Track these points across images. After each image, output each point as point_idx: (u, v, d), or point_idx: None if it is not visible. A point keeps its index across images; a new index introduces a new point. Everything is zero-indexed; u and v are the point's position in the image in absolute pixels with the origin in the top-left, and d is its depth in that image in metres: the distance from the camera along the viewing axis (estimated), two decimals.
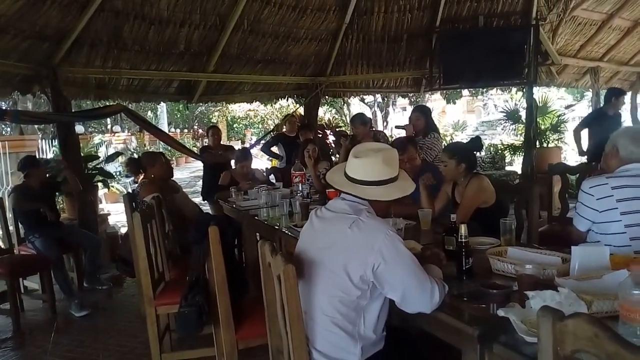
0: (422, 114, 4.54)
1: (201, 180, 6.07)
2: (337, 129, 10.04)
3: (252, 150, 6.06)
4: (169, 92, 6.29)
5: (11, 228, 4.45)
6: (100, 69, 5.29)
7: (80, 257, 4.78)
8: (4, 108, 7.32)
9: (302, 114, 7.50)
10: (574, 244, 1.92)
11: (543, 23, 6.11)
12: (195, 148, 12.27)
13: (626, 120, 8.31)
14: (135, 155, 8.48)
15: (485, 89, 13.71)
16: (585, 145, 6.21)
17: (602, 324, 0.94)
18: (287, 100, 7.77)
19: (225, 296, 2.29)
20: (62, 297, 4.28)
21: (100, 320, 4.07)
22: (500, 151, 10.50)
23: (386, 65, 6.89)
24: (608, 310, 1.47)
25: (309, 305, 1.74)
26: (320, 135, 7.49)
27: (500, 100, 17.30)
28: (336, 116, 14.83)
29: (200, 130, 20.37)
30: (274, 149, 6.73)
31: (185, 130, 21.88)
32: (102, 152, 11.06)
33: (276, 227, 3.32)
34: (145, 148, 14.83)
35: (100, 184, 6.52)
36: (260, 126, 20.29)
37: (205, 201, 5.95)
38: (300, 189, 4.17)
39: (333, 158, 6.44)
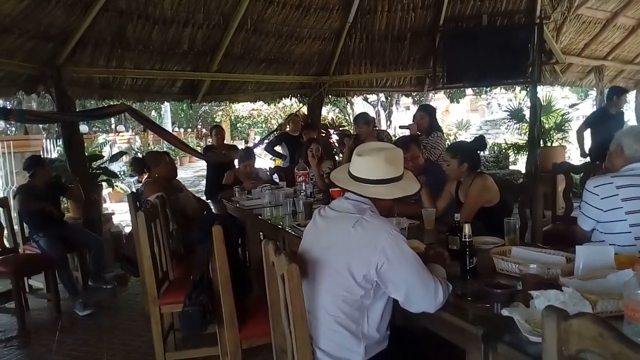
0: (426, 113, 4.54)
1: (205, 180, 6.08)
2: (341, 129, 10.04)
3: (255, 150, 6.07)
4: (173, 92, 6.31)
5: (16, 227, 4.46)
6: (104, 69, 5.30)
7: (85, 257, 4.80)
8: (8, 108, 7.35)
9: (306, 113, 7.50)
10: (579, 244, 1.91)
11: (547, 22, 6.09)
12: (199, 147, 12.31)
13: (630, 119, 8.29)
14: (140, 155, 8.52)
15: (489, 88, 13.65)
16: (588, 144, 6.19)
17: (607, 323, 0.94)
18: (291, 99, 7.78)
19: (229, 295, 2.30)
20: (67, 296, 4.30)
21: (104, 319, 4.08)
22: (504, 150, 10.47)
23: (389, 64, 6.88)
24: (613, 310, 1.46)
25: (312, 305, 1.74)
26: (323, 135, 7.47)
27: (504, 99, 17.25)
28: (339, 115, 14.83)
29: (204, 130, 20.40)
30: (278, 148, 6.73)
31: (189, 130, 21.91)
32: (106, 152, 11.09)
33: (279, 227, 3.32)
34: (149, 147, 14.86)
35: (104, 184, 6.54)
36: (263, 126, 20.30)
37: (209, 200, 5.96)
38: (303, 188, 4.17)
39: (336, 157, 6.44)
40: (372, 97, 14.68)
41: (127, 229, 5.96)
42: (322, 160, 4.74)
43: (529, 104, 7.15)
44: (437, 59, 6.51)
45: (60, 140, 6.33)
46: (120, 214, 7.43)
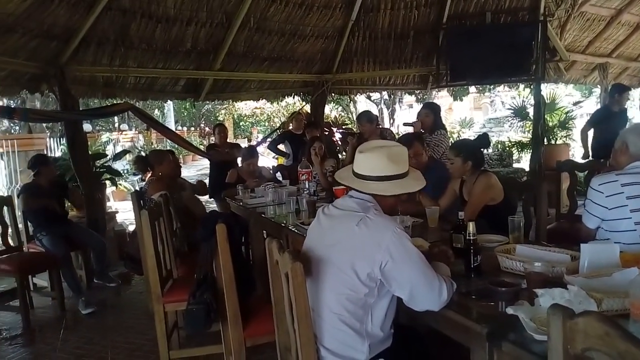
0: (431, 111, 4.53)
1: (208, 178, 6.08)
2: (344, 127, 10.02)
3: (258, 148, 6.07)
4: (176, 90, 6.32)
5: (20, 226, 4.48)
6: (107, 68, 5.31)
7: (89, 255, 4.81)
8: (12, 107, 7.38)
9: (309, 111, 7.50)
10: (583, 242, 1.90)
11: (551, 19, 6.06)
12: (202, 146, 12.32)
13: (635, 116, 8.25)
14: (143, 154, 8.53)
15: (492, 86, 13.63)
16: (590, 143, 6.17)
17: (613, 322, 0.94)
18: (294, 97, 7.77)
19: (233, 293, 2.30)
20: (71, 294, 4.31)
21: (108, 318, 4.09)
22: (507, 148, 10.44)
23: (393, 62, 6.86)
24: (618, 308, 1.45)
25: (316, 303, 1.74)
26: (326, 133, 7.47)
27: (508, 97, 17.22)
28: (342, 114, 14.82)
29: (207, 129, 20.41)
30: (281, 146, 6.73)
31: (192, 129, 21.93)
32: (109, 150, 11.09)
33: (283, 225, 3.32)
34: (153, 146, 14.89)
35: (108, 182, 6.56)
36: (266, 124, 20.31)
37: (212, 199, 5.96)
38: (306, 186, 4.17)
39: (340, 156, 6.43)
40: (375, 95, 14.68)
41: (131, 228, 5.97)
42: (325, 159, 4.73)
43: (532, 101, 7.12)
44: (441, 56, 6.50)
45: (64, 139, 6.34)
46: (123, 212, 7.46)
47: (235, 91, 6.73)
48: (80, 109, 5.58)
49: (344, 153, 6.52)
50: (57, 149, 9.10)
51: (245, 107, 20.09)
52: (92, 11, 4.68)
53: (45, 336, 3.77)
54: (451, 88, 10.45)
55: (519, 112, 9.82)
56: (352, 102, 14.48)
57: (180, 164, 5.27)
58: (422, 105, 4.92)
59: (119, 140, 15.50)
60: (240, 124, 22.42)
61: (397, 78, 7.25)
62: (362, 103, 15.33)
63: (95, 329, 3.84)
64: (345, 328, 1.70)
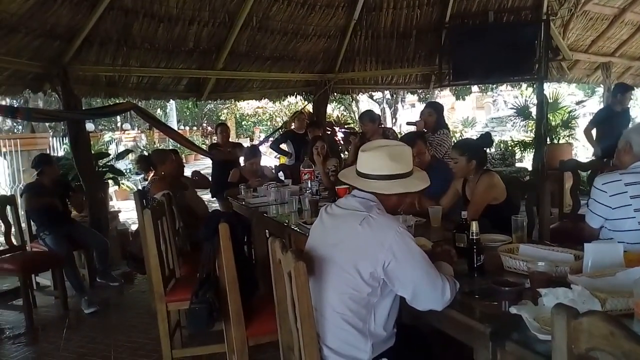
0: (434, 110, 4.52)
1: (210, 178, 6.09)
2: (346, 126, 10.02)
3: (260, 148, 6.07)
4: (178, 90, 6.32)
5: (23, 225, 4.49)
6: (110, 67, 5.31)
7: (91, 254, 4.82)
8: (15, 106, 7.39)
9: (311, 111, 7.49)
10: (586, 241, 1.90)
11: (554, 18, 6.04)
12: (204, 145, 12.33)
13: (638, 116, 8.23)
14: (145, 153, 8.54)
15: (495, 85, 13.61)
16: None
17: (617, 322, 0.93)
18: (296, 97, 7.78)
19: (235, 293, 2.30)
20: (74, 293, 4.32)
21: (111, 317, 4.11)
22: (510, 148, 10.42)
23: (395, 61, 6.86)
24: (622, 308, 1.45)
25: (319, 302, 1.74)
26: (329, 132, 7.47)
27: (510, 96, 17.18)
28: (345, 113, 14.82)
29: (209, 128, 20.42)
30: (283, 146, 6.73)
31: (195, 128, 21.95)
32: (112, 150, 11.10)
33: (285, 224, 3.33)
34: (155, 145, 14.91)
35: (110, 181, 6.57)
36: (268, 123, 20.32)
37: (214, 198, 5.97)
38: (309, 186, 4.17)
39: (342, 155, 6.43)
40: (378, 95, 14.67)
41: (134, 227, 5.98)
42: (328, 158, 4.73)
43: (535, 101, 7.10)
44: (443, 55, 6.48)
45: (67, 138, 6.36)
46: (126, 211, 7.46)
47: (238, 90, 6.73)
48: (83, 108, 5.58)
49: (346, 152, 6.52)
50: (59, 148, 9.12)
51: (247, 106, 20.11)
52: (95, 11, 4.69)
53: (48, 335, 3.78)
54: (453, 87, 10.39)
55: (522, 112, 9.80)
56: (354, 101, 14.47)
57: (184, 164, 5.28)
58: (425, 104, 4.91)
59: (122, 139, 15.51)
60: (243, 123, 22.43)
61: (399, 77, 7.25)
62: (365, 102, 15.32)
63: (98, 328, 3.85)
64: (348, 327, 1.69)
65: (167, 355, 2.85)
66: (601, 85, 8.00)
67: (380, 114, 12.02)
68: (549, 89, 8.64)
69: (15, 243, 4.32)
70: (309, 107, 7.65)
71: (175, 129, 13.13)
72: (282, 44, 6.25)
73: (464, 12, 6.35)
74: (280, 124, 13.08)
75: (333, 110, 14.24)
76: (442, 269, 1.81)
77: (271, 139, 7.78)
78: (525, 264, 1.94)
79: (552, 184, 3.85)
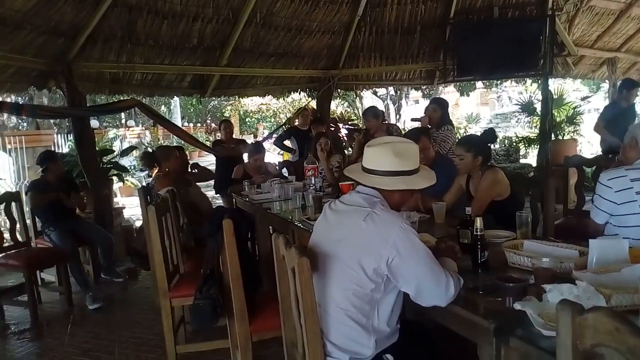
0: (439, 106, 4.50)
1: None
2: (350, 123, 10.01)
3: (264, 144, 6.07)
4: (183, 87, 6.32)
5: (28, 221, 4.51)
6: (114, 64, 5.32)
7: (96, 251, 4.84)
8: (20, 103, 7.41)
9: (315, 107, 7.48)
10: (591, 237, 1.89)
11: (559, 13, 6.00)
12: (208, 142, 12.33)
13: None
14: (150, 150, 8.56)
15: (499, 81, 13.55)
16: (599, 138, 6.11)
17: (623, 317, 0.93)
18: (300, 93, 7.76)
19: (239, 289, 2.30)
20: (78, 289, 4.34)
21: (115, 313, 4.12)
22: (514, 144, 10.39)
23: (399, 57, 6.83)
24: (628, 304, 1.44)
25: (323, 298, 1.74)
26: (332, 129, 7.46)
27: (515, 92, 17.11)
28: (349, 109, 14.79)
29: (213, 125, 20.46)
30: (287, 142, 6.73)
31: (199, 125, 21.99)
32: (116, 147, 11.15)
33: (289, 220, 3.32)
34: (159, 142, 14.94)
35: (115, 178, 6.59)
36: (272, 120, 20.33)
37: (218, 195, 5.98)
38: (312, 182, 4.17)
39: (346, 152, 6.42)
40: (382, 91, 14.63)
41: (138, 223, 6.00)
42: (331, 155, 4.73)
43: (540, 96, 7.08)
44: (448, 51, 6.46)
45: (71, 135, 6.37)
46: (130, 208, 7.49)
47: (242, 87, 6.73)
48: (88, 105, 5.59)
49: (350, 149, 6.50)
50: (64, 145, 9.16)
51: (251, 103, 20.11)
52: (99, 8, 4.69)
53: (53, 331, 3.80)
54: (458, 83, 10.39)
55: (526, 108, 9.77)
56: (358, 97, 14.44)
57: (189, 161, 5.29)
58: (429, 100, 4.89)
59: (126, 136, 15.57)
60: (247, 120, 22.45)
61: (403, 73, 7.23)
62: (368, 99, 15.29)
63: (102, 323, 3.87)
64: (352, 323, 1.69)
65: (171, 351, 2.86)
66: (606, 81, 7.95)
67: (384, 111, 11.98)
68: (554, 84, 8.62)
69: (20, 239, 4.35)
70: (313, 104, 7.64)
71: (179, 125, 13.16)
72: (286, 40, 6.24)
73: (469, 7, 6.32)
74: (284, 121, 13.08)
75: (337, 106, 14.23)
76: (446, 265, 1.81)
77: (275, 135, 7.78)
78: (529, 260, 1.94)
79: (556, 180, 3.85)
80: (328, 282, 1.74)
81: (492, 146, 3.56)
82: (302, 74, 6.89)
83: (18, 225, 4.38)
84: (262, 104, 19.97)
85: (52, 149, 7.24)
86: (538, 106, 8.11)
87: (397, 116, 15.05)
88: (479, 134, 3.62)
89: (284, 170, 5.92)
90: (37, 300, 4.16)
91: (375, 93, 14.63)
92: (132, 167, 10.20)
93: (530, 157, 10.17)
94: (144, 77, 5.80)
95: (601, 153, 5.84)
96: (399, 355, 1.75)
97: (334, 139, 6.04)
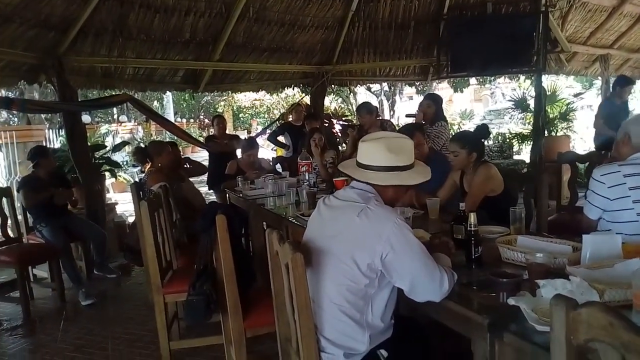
0: (433, 102, 4.51)
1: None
2: (344, 118, 10.00)
3: (258, 140, 6.05)
4: (175, 81, 6.29)
5: (20, 217, 4.47)
6: (105, 58, 5.27)
7: (88, 246, 4.81)
8: (11, 97, 7.34)
9: (308, 103, 7.47)
10: (584, 233, 1.89)
11: (552, 10, 6.01)
12: (202, 138, 12.28)
13: (636, 108, 8.22)
14: (142, 145, 8.52)
15: (493, 78, 13.58)
16: (592, 134, 6.14)
17: (616, 312, 0.93)
18: (293, 89, 7.74)
19: (233, 284, 2.29)
20: (71, 285, 4.31)
21: (108, 309, 4.10)
22: (508, 140, 10.43)
23: (393, 53, 6.83)
24: (621, 299, 1.45)
25: (316, 294, 1.73)
26: (326, 125, 7.45)
27: (508, 88, 17.16)
28: (342, 105, 14.78)
29: (207, 120, 20.35)
30: (281, 138, 6.71)
31: (192, 120, 21.86)
32: (109, 142, 11.07)
33: (283, 216, 3.32)
34: (152, 137, 14.84)
35: (107, 174, 6.54)
36: (266, 116, 20.27)
37: (211, 190, 5.96)
38: (306, 178, 4.16)
39: (340, 147, 6.41)
40: (376, 87, 14.63)
41: (131, 219, 5.96)
42: (325, 150, 4.72)
43: (533, 93, 7.10)
44: (441, 47, 6.47)
45: (63, 130, 6.31)
46: (123, 203, 7.45)
47: (235, 82, 6.70)
48: (79, 100, 5.54)
49: (344, 145, 6.50)
50: (56, 140, 9.07)
51: (244, 98, 20.04)
52: (90, 1, 4.64)
53: (45, 327, 3.78)
54: (451, 80, 10.41)
55: (520, 104, 9.80)
56: (352, 93, 14.43)
57: (182, 156, 5.27)
58: (423, 96, 4.89)
59: (118, 131, 15.44)
60: (240, 115, 22.36)
61: (397, 69, 7.23)
62: (362, 95, 15.28)
63: (95, 320, 3.85)
64: (346, 319, 1.69)
65: (165, 347, 2.85)
66: (599, 77, 7.99)
67: (378, 106, 11.98)
68: (547, 81, 8.64)
69: (11, 235, 4.30)
70: (307, 99, 7.62)
71: (172, 121, 13.07)
72: (279, 35, 6.21)
73: (462, 3, 6.34)
74: (277, 117, 13.05)
75: (331, 102, 14.20)
76: (440, 260, 1.81)
77: (268, 131, 7.75)
78: (523, 256, 1.94)
79: (549, 176, 3.85)
80: (322, 278, 1.73)
81: (485, 142, 3.57)
82: (295, 69, 6.87)
83: (9, 221, 4.34)
84: (255, 99, 19.91)
85: (44, 144, 7.18)
86: (531, 102, 8.14)
87: (391, 112, 15.07)
88: (472, 130, 3.63)
89: (278, 166, 5.91)
90: (29, 297, 4.14)
91: (369, 89, 14.63)
92: (125, 163, 10.13)
93: (524, 153, 10.21)
94: (136, 71, 5.75)
95: (594, 149, 5.87)
96: (393, 351, 1.75)
97: (328, 134, 6.03)
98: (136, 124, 17.63)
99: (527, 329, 1.40)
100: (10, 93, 8.95)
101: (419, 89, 13.49)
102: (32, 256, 4.26)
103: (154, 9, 5.19)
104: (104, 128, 14.07)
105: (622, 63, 8.01)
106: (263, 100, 19.51)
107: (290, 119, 6.98)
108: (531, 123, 8.05)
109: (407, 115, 5.08)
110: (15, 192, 4.56)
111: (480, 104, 21.62)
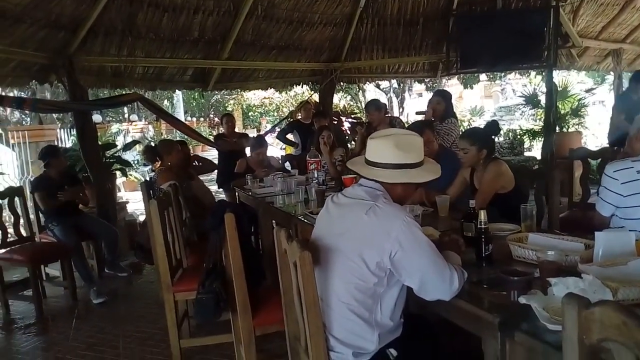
0: (443, 98, 4.47)
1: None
2: (353, 116, 9.98)
3: (267, 138, 6.06)
4: (184, 80, 6.31)
5: (32, 216, 4.51)
6: (115, 57, 5.30)
7: (100, 245, 4.84)
8: (22, 97, 7.41)
9: (317, 100, 7.46)
10: (597, 230, 1.87)
11: (563, 4, 5.94)
12: (211, 136, 12.32)
13: None
14: (152, 144, 8.56)
15: (503, 74, 13.48)
16: (606, 130, 6.04)
17: (630, 311, 0.91)
18: (302, 87, 7.74)
19: (242, 282, 2.29)
20: (83, 284, 4.35)
21: (120, 307, 4.13)
22: (519, 136, 10.34)
23: (402, 49, 6.79)
24: (635, 297, 1.42)
25: (325, 292, 1.72)
26: (335, 122, 7.43)
27: (519, 84, 17.03)
28: (351, 103, 14.75)
29: (216, 119, 20.42)
30: (289, 136, 6.71)
31: (202, 119, 21.96)
32: (120, 141, 11.15)
33: (292, 214, 3.31)
34: (162, 136, 14.92)
35: (118, 172, 6.59)
36: (275, 114, 20.30)
37: (221, 189, 5.97)
38: (315, 176, 4.16)
39: (349, 145, 6.40)
40: (385, 84, 14.58)
41: (142, 218, 6.01)
42: (334, 148, 4.71)
43: (544, 89, 7.02)
44: (451, 43, 6.41)
45: (74, 129, 6.36)
46: (134, 202, 7.50)
47: (244, 80, 6.71)
48: (89, 99, 5.58)
49: (353, 142, 6.48)
50: (67, 139, 9.15)
51: (254, 97, 20.10)
52: (99, 0, 4.66)
53: (57, 325, 3.82)
54: (461, 76, 10.31)
55: (531, 100, 9.69)
56: (361, 91, 14.39)
57: (191, 154, 5.29)
58: (433, 92, 4.85)
59: (129, 130, 15.54)
60: (249, 114, 22.42)
61: (406, 66, 7.19)
62: (371, 92, 15.25)
63: (106, 318, 3.88)
64: (354, 317, 1.68)
65: (175, 345, 2.87)
66: (611, 72, 7.88)
67: (387, 104, 11.94)
68: (558, 76, 8.55)
69: (24, 234, 4.35)
70: (315, 97, 7.61)
71: (182, 120, 13.14)
72: (288, 32, 6.20)
73: None
74: (286, 115, 13.06)
75: (340, 99, 14.18)
76: (450, 258, 1.79)
77: (277, 129, 7.75)
78: (534, 253, 1.91)
79: (561, 173, 3.80)
80: (330, 276, 1.72)
81: (496, 139, 3.53)
82: (304, 67, 6.86)
83: (22, 220, 4.38)
84: (264, 97, 19.95)
85: (55, 144, 7.25)
86: (542, 98, 8.05)
87: (400, 109, 15.01)
88: (482, 126, 3.59)
89: (287, 164, 5.91)
90: (41, 295, 4.18)
91: (378, 86, 14.59)
92: (136, 162, 10.20)
93: (535, 149, 10.13)
94: (146, 70, 5.78)
95: (607, 145, 5.78)
96: (402, 350, 1.74)
97: (337, 132, 6.02)
98: (147, 123, 17.73)
99: (539, 328, 1.38)
100: (22, 93, 9.04)
101: (429, 85, 13.44)
102: (44, 255, 4.31)
103: (163, 8, 5.21)
104: (115, 127, 14.16)
105: (634, 58, 7.88)
106: (272, 98, 19.55)
107: (299, 117, 6.97)
108: (542, 119, 7.96)
109: (418, 113, 5.05)
110: (27, 192, 4.60)
111: (491, 100, 21.47)
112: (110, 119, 17.10)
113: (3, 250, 4.14)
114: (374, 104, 4.91)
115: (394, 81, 13.50)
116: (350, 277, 1.68)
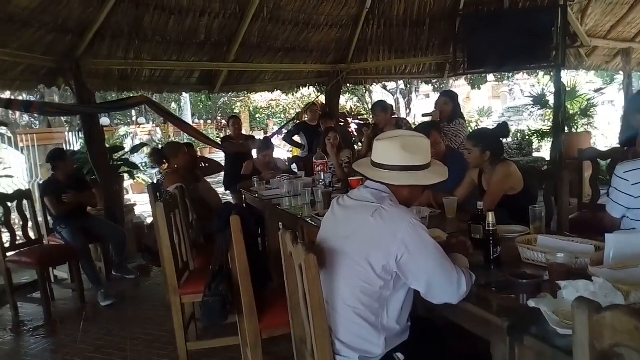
0: (450, 99, 4.44)
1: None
2: (359, 117, 9.96)
3: (273, 140, 6.06)
4: (191, 83, 6.32)
5: (40, 219, 4.54)
6: (122, 61, 5.32)
7: (107, 248, 4.86)
8: (30, 100, 7.47)
9: (324, 102, 7.45)
10: (607, 231, 1.84)
11: (571, 3, 5.89)
12: (218, 139, 12.36)
13: None
14: (159, 146, 8.59)
15: (511, 74, 13.40)
16: (616, 130, 5.98)
17: None
18: (309, 88, 7.73)
19: (248, 285, 2.28)
20: (91, 286, 4.37)
21: (127, 310, 4.14)
22: (527, 137, 10.27)
23: (408, 50, 6.76)
24: None
25: (331, 295, 1.71)
26: (342, 124, 7.42)
27: (527, 85, 16.93)
28: (358, 104, 14.73)
29: (223, 121, 20.47)
30: (296, 138, 6.71)
31: (209, 122, 22.04)
32: (128, 144, 11.21)
33: (299, 217, 3.30)
34: (170, 139, 14.99)
35: (125, 175, 6.62)
36: (282, 116, 20.32)
37: (228, 191, 5.98)
38: (322, 177, 4.14)
39: (355, 147, 6.38)
40: (391, 85, 14.55)
41: (149, 220, 6.02)
42: (341, 150, 4.69)
43: (552, 89, 6.96)
44: (458, 44, 6.37)
45: (82, 132, 6.40)
46: (142, 205, 7.53)
47: (250, 82, 6.71)
48: (97, 102, 5.61)
49: (359, 144, 6.46)
50: (76, 142, 9.21)
51: (260, 99, 20.12)
52: (106, 4, 4.68)
53: (66, 327, 3.83)
54: (469, 76, 10.27)
55: (539, 100, 9.62)
56: (367, 92, 14.37)
57: (198, 157, 5.30)
58: (439, 93, 4.82)
59: (137, 133, 15.64)
60: (256, 116, 22.46)
61: (413, 67, 7.16)
62: (378, 93, 15.22)
63: (114, 320, 3.89)
64: (361, 321, 1.66)
65: (182, 348, 2.86)
66: (621, 72, 7.80)
67: (393, 105, 11.91)
68: (567, 76, 8.47)
69: (32, 237, 4.37)
70: (322, 99, 7.60)
71: (190, 122, 13.19)
72: (294, 34, 6.20)
73: None
74: (293, 116, 13.06)
75: (346, 101, 14.18)
76: (458, 261, 1.77)
77: (284, 130, 7.75)
78: (543, 256, 1.89)
79: (570, 174, 3.76)
80: (336, 279, 1.71)
81: (504, 140, 3.50)
82: (310, 68, 6.85)
83: (30, 223, 4.40)
84: (271, 99, 19.98)
85: (63, 147, 7.29)
86: (551, 99, 7.99)
87: (407, 110, 14.97)
88: (491, 127, 3.56)
89: (293, 166, 5.90)
90: (50, 297, 4.20)
91: (385, 87, 14.57)
92: (144, 165, 10.24)
93: (544, 150, 10.05)
94: (152, 73, 5.79)
95: (617, 145, 5.72)
96: (409, 354, 1.72)
97: (344, 134, 6.01)
98: (154, 125, 17.83)
99: (548, 332, 1.36)
100: (31, 97, 9.11)
101: (436, 86, 13.37)
102: (52, 257, 4.33)
103: (169, 11, 5.22)
104: (122, 130, 14.26)
105: None
106: (279, 100, 19.57)
107: (305, 119, 6.97)
108: (551, 120, 7.90)
109: (424, 115, 5.02)
110: (36, 195, 4.63)
111: (499, 100, 21.37)
112: (119, 121, 17.21)
113: (12, 253, 4.16)
114: (380, 105, 4.89)
115: (400, 82, 13.47)
116: (356, 280, 1.66)
